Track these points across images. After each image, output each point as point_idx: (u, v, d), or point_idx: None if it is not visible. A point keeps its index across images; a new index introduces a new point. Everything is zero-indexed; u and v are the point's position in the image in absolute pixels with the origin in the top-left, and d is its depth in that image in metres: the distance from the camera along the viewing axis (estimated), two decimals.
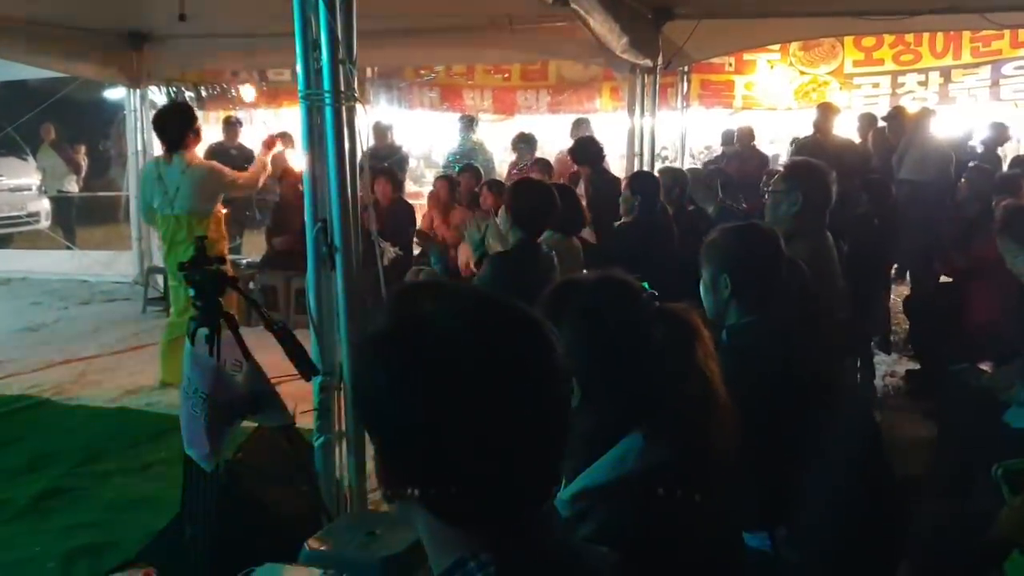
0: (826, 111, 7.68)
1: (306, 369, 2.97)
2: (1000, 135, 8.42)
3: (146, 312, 7.96)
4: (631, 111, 7.66)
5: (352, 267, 3.26)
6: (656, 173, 5.99)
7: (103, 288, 8.98)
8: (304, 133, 3.19)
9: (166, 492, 4.04)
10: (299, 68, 3.15)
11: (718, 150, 13.10)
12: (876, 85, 10.55)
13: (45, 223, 11.36)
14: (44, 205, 11.44)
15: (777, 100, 10.97)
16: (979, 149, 8.54)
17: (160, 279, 7.90)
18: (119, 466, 4.45)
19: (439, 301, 0.97)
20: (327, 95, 3.11)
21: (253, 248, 9.07)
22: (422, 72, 11.33)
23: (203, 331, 2.87)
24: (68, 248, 10.38)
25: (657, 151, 9.20)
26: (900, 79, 10.41)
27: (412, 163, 13.12)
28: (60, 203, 11.56)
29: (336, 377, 3.34)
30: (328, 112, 3.11)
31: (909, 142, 7.46)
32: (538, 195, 3.81)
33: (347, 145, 3.17)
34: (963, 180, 5.21)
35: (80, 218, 11.58)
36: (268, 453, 3.20)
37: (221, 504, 2.89)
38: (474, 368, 0.92)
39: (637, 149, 7.63)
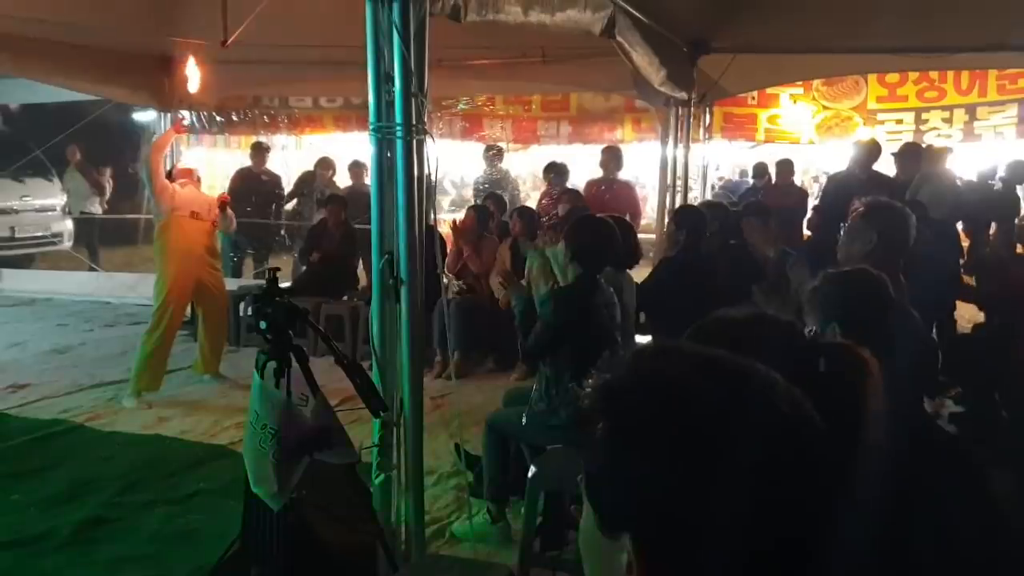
0: (863, 148, 7.62)
1: (374, 405, 2.93)
2: (1019, 172, 8.36)
3: None
4: (664, 143, 7.67)
5: (417, 300, 3.23)
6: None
7: (127, 310, 8.95)
8: (374, 166, 3.17)
9: (210, 525, 4.00)
10: (371, 100, 3.13)
11: (732, 180, 13.13)
12: (899, 121, 10.52)
13: (67, 243, 11.39)
14: (67, 226, 11.47)
15: (798, 134, 10.98)
16: (997, 187, 8.49)
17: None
18: (160, 496, 4.39)
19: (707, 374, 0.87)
20: (398, 128, 3.09)
21: (279, 273, 9.04)
22: (445, 102, 11.35)
23: (272, 364, 2.83)
24: (92, 269, 10.38)
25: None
26: (924, 116, 10.40)
27: None
28: (84, 224, 11.58)
29: (396, 413, 3.29)
30: (399, 145, 3.09)
31: (923, 179, 7.42)
32: (600, 232, 3.79)
33: (415, 178, 3.16)
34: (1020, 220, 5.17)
35: (103, 239, 11.59)
36: (330, 490, 3.14)
37: (285, 542, 2.83)
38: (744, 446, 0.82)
39: (670, 181, 7.61)
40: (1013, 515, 1.84)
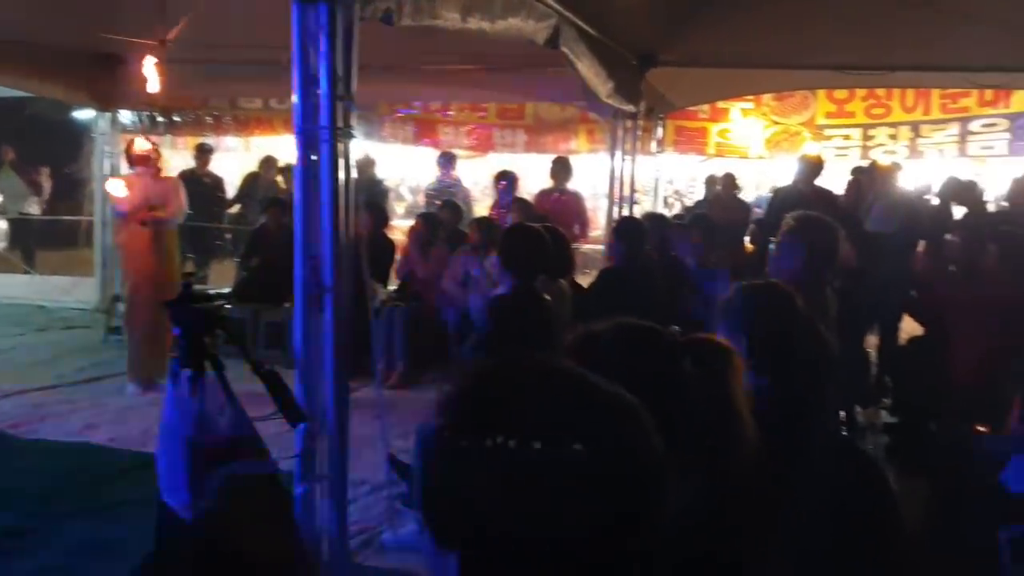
0: (807, 162, 7.70)
1: (293, 416, 2.85)
2: (951, 190, 8.48)
3: (107, 341, 7.67)
4: (612, 155, 7.68)
5: (342, 308, 3.16)
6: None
7: (62, 314, 8.72)
8: (298, 169, 3.10)
9: (132, 536, 3.85)
10: (296, 102, 3.06)
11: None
12: (847, 137, 10.69)
13: (2, 245, 11.07)
14: (1, 226, 11.14)
15: (748, 148, 11.09)
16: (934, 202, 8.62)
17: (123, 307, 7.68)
18: (82, 506, 4.25)
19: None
20: (324, 131, 3.03)
21: (221, 278, 8.87)
22: (397, 107, 11.27)
23: (186, 372, 2.74)
24: (26, 272, 10.10)
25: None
26: (871, 132, 10.58)
27: None
28: (19, 225, 11.25)
29: (320, 422, 3.22)
30: (324, 148, 3.03)
31: (877, 195, 7.54)
32: (532, 241, 3.75)
33: (341, 181, 3.10)
34: (950, 236, 5.26)
35: (40, 242, 11.28)
36: (247, 500, 3.05)
37: (198, 555, 2.74)
38: None
39: (617, 193, 7.63)
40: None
